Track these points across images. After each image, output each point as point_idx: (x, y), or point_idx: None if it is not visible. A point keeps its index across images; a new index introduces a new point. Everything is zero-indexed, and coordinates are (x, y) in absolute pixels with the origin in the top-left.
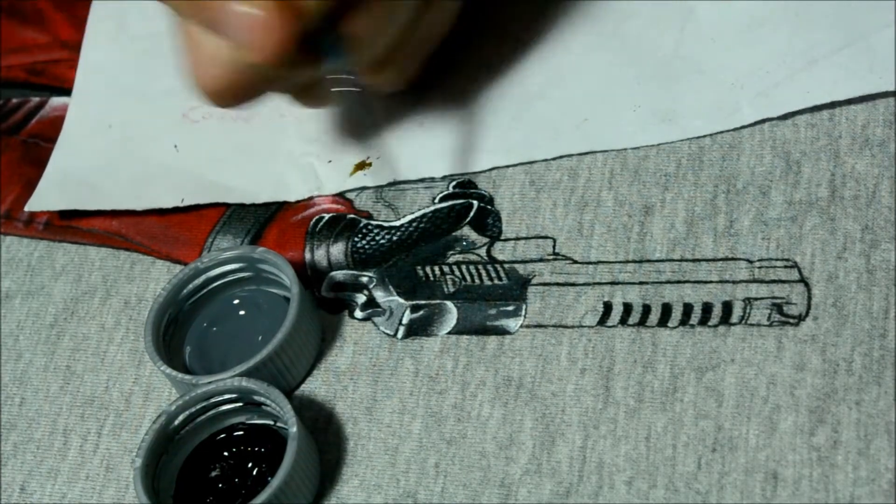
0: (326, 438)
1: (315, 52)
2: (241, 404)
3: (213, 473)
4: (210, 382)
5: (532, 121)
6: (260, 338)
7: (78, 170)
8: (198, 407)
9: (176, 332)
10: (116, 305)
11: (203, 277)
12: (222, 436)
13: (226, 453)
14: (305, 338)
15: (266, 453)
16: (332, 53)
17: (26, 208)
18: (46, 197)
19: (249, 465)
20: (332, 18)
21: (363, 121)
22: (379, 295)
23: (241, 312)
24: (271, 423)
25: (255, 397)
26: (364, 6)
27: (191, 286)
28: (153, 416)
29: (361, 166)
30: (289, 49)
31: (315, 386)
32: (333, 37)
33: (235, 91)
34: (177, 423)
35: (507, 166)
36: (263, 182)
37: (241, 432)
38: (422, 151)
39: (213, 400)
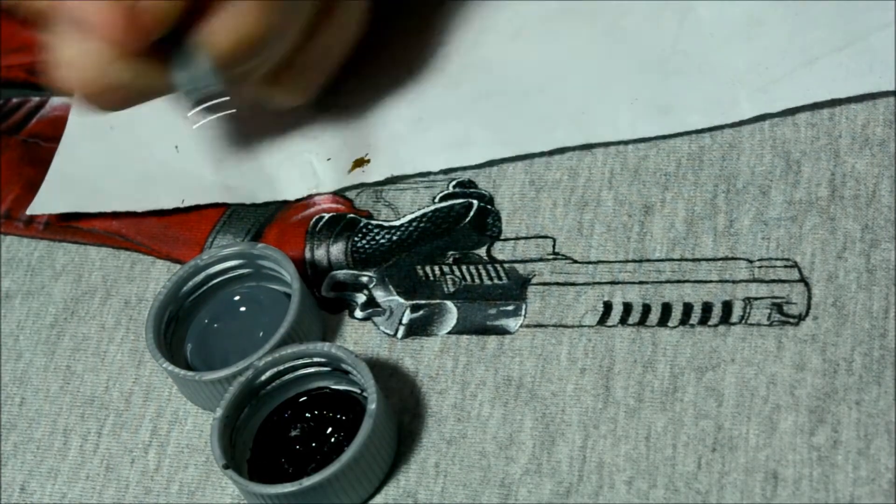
0: None
1: (165, 60)
2: (328, 369)
3: (293, 433)
4: (216, 379)
5: (529, 113)
6: (261, 333)
7: (80, 172)
8: (286, 366)
9: (177, 329)
10: (116, 305)
11: (203, 274)
12: (310, 395)
13: (308, 415)
14: (307, 332)
15: (347, 422)
16: (180, 62)
17: (28, 212)
18: (49, 200)
19: (329, 430)
20: (180, 25)
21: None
22: (379, 295)
23: (242, 309)
24: (358, 391)
25: (343, 365)
26: (217, 16)
27: (191, 283)
28: (153, 416)
29: (360, 163)
30: (130, 35)
31: None
32: (181, 45)
33: (110, 92)
34: (263, 378)
35: (505, 159)
36: (262, 180)
37: (328, 396)
38: (419, 146)
39: (301, 361)
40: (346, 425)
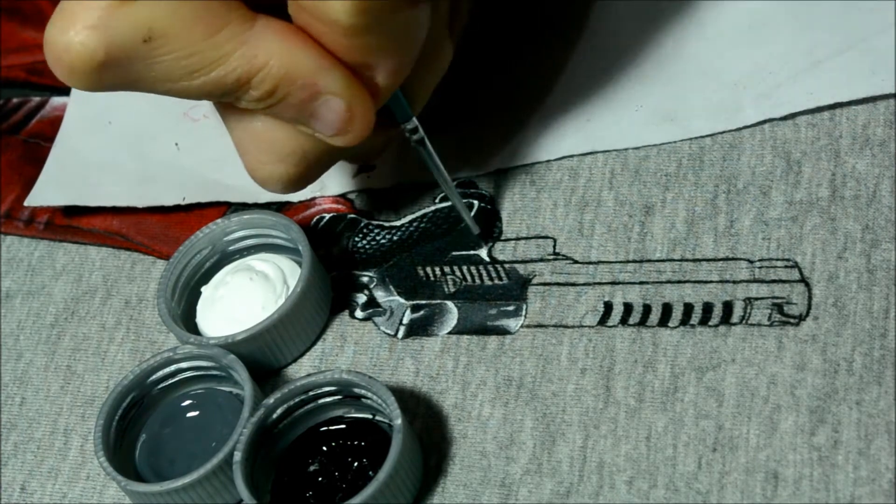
0: None
1: (388, 119)
2: (339, 397)
3: (312, 468)
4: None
5: (535, 122)
6: (213, 443)
7: (77, 166)
8: (296, 400)
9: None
10: (117, 305)
11: (174, 367)
12: (321, 429)
13: (325, 447)
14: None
15: (366, 447)
16: (404, 117)
17: (25, 203)
18: (45, 192)
19: (349, 459)
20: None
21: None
22: (379, 295)
23: (191, 414)
24: (370, 416)
25: (355, 390)
26: (420, 65)
27: (160, 373)
28: None
29: (365, 168)
30: (371, 127)
31: None
32: (402, 102)
33: (303, 177)
34: (275, 416)
35: (511, 168)
36: None
37: (340, 426)
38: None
39: (311, 393)
40: (365, 451)
